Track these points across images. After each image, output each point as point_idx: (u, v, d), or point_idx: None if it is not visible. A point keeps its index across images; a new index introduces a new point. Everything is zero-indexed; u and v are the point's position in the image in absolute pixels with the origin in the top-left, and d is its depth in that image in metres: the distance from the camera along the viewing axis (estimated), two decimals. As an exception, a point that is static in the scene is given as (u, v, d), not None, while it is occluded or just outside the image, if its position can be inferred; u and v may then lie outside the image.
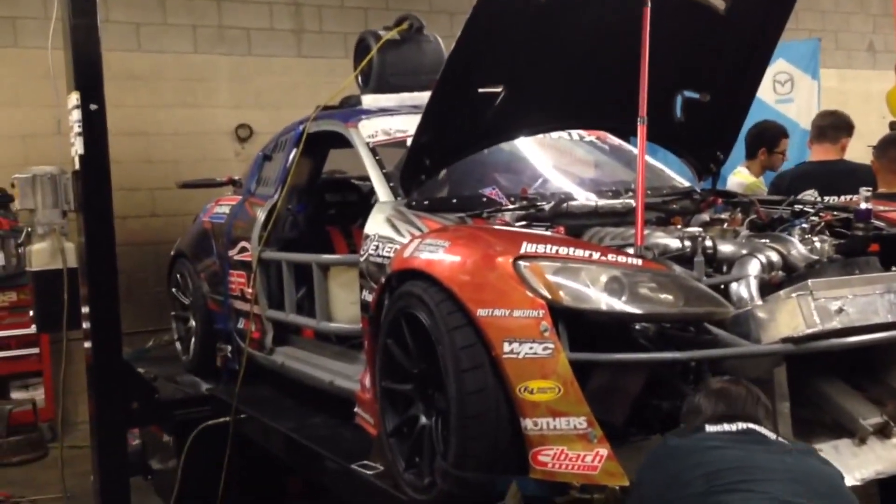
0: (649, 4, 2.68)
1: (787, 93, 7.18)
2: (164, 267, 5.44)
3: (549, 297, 2.37)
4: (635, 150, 4.17)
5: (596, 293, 2.37)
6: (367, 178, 3.72)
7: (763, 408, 2.15)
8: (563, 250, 2.49)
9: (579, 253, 2.48)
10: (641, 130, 2.73)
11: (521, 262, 2.44)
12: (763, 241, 2.81)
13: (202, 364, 4.75)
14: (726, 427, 2.06)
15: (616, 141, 4.17)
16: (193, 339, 4.83)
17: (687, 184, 3.85)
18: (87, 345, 3.97)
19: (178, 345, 5.07)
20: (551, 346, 2.31)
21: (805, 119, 6.36)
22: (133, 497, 4.14)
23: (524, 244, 2.50)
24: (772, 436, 2.08)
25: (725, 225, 2.99)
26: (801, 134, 6.39)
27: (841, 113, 4.79)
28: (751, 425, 2.07)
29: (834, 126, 4.64)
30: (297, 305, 4.02)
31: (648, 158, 3.99)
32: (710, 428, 2.06)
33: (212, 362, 4.68)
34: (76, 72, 3.79)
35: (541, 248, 2.49)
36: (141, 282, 6.62)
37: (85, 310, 3.95)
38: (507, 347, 2.36)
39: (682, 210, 3.39)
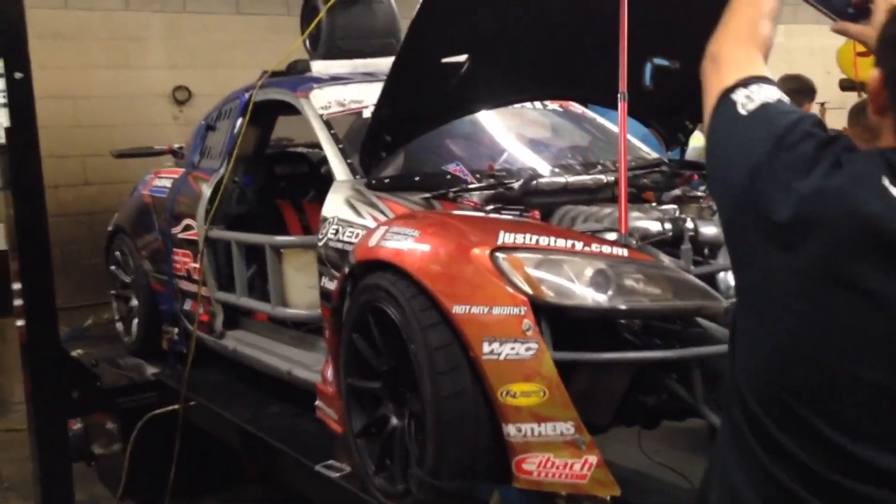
0: (628, -29, 2.49)
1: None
2: (99, 238, 5.13)
3: (530, 292, 2.21)
4: (598, 118, 4.04)
5: (581, 288, 2.22)
6: (316, 146, 3.48)
7: None
8: (543, 240, 2.32)
9: (561, 243, 2.31)
10: (622, 107, 2.54)
11: (499, 254, 2.28)
12: None
13: (146, 346, 4.50)
14: None
15: (579, 109, 4.00)
16: (136, 321, 4.56)
17: (654, 154, 3.70)
18: (20, 323, 3.69)
19: (119, 325, 4.79)
20: (535, 345, 2.16)
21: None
22: (76, 485, 3.91)
23: (501, 234, 2.33)
24: None
25: (702, 202, 2.85)
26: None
27: (804, 77, 4.68)
28: None
29: (796, 91, 4.53)
30: (248, 285, 3.79)
31: (612, 127, 3.84)
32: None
33: (156, 344, 4.42)
34: (-2, 37, 3.47)
35: (519, 238, 2.33)
36: (75, 254, 6.28)
37: (17, 286, 3.67)
38: (486, 348, 2.20)
39: (654, 184, 3.24)
